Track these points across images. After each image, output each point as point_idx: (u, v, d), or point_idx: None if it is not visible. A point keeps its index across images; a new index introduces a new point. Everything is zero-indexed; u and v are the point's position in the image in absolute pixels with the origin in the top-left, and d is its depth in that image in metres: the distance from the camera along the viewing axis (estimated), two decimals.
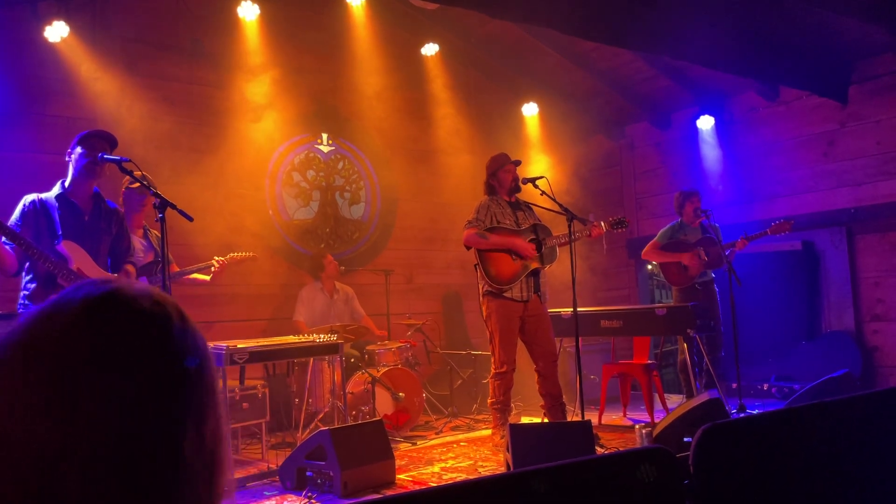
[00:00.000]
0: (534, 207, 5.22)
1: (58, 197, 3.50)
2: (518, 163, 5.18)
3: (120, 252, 3.72)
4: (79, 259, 3.46)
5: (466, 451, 5.04)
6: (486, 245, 4.92)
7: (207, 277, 5.00)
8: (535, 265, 4.97)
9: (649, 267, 8.45)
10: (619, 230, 5.14)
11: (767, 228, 5.76)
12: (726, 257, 5.63)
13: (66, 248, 3.43)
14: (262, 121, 6.64)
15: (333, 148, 7.37)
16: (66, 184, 3.54)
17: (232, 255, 5.18)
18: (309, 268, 6.66)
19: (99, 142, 3.52)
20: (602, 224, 5.02)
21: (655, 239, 6.14)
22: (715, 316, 5.82)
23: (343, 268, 6.82)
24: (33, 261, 3.39)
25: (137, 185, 3.97)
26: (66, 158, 3.56)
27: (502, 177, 5.10)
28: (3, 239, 3.31)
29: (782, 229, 5.72)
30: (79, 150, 3.50)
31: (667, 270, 6.07)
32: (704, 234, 5.93)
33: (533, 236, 5.03)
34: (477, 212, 5.02)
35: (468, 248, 5.02)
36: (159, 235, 3.60)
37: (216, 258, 5.01)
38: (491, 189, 5.17)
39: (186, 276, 4.98)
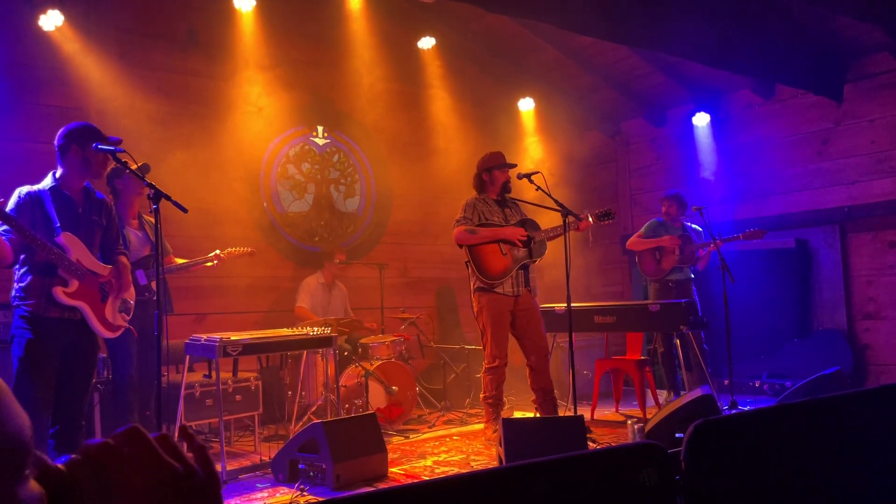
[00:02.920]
0: (528, 204, 5.22)
1: (51, 189, 3.48)
2: (514, 166, 5.17)
3: (109, 243, 3.71)
4: (77, 250, 3.46)
5: (459, 445, 5.06)
6: (476, 240, 4.92)
7: (210, 264, 5.00)
8: (524, 259, 4.98)
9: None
10: (606, 222, 5.15)
11: (741, 233, 5.94)
12: (697, 258, 6.01)
13: (65, 239, 3.42)
14: (257, 112, 6.61)
15: (329, 141, 7.36)
16: (58, 175, 3.52)
17: (230, 250, 5.18)
18: (318, 255, 6.66)
19: (93, 140, 3.51)
20: (589, 216, 5.01)
21: (640, 230, 6.40)
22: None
23: (338, 261, 6.82)
24: (30, 252, 3.38)
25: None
26: (56, 150, 3.52)
27: (497, 175, 5.10)
28: (1, 229, 3.29)
29: (755, 236, 5.94)
30: (79, 148, 3.47)
31: (643, 261, 6.32)
32: (683, 233, 6.19)
33: (523, 229, 5.04)
34: (464, 210, 5.03)
35: (461, 246, 5.03)
36: (153, 222, 3.59)
37: (217, 251, 5.01)
38: (481, 184, 5.16)
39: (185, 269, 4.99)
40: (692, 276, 6.20)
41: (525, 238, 4.97)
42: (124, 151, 3.42)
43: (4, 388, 0.76)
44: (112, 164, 3.79)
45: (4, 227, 3.29)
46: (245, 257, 5.29)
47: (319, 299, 6.36)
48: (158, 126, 5.93)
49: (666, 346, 6.03)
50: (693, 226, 6.25)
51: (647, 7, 5.26)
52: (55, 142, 3.50)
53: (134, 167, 3.55)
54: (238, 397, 5.06)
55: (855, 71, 6.56)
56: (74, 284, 3.43)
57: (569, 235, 4.75)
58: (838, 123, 6.66)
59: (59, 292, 3.37)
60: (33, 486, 0.76)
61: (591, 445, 4.48)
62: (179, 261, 5.03)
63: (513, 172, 5.14)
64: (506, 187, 5.13)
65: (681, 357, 5.74)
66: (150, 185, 3.41)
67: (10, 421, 0.73)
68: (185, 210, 3.46)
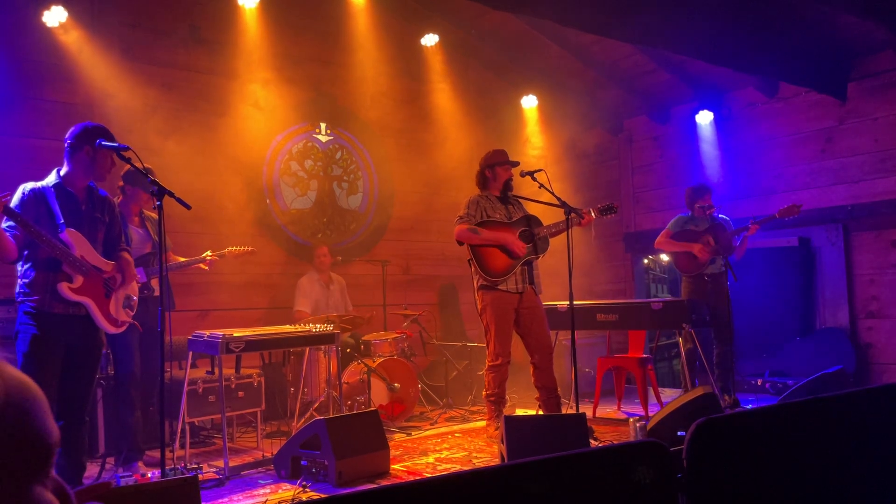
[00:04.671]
0: (530, 201, 5.21)
1: (55, 186, 3.49)
2: (516, 164, 5.15)
3: (112, 239, 3.73)
4: (80, 247, 3.47)
5: (461, 442, 5.06)
6: (477, 241, 4.91)
7: (205, 267, 5.01)
8: (528, 256, 4.97)
9: (645, 261, 8.47)
10: (609, 216, 5.13)
11: (776, 212, 5.74)
12: (734, 246, 5.67)
13: (69, 235, 3.43)
14: (260, 109, 6.62)
15: (332, 137, 7.36)
16: (63, 173, 3.53)
17: (230, 249, 5.18)
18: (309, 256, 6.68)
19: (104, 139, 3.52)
20: (591, 211, 4.99)
21: (667, 228, 6.09)
22: (723, 309, 5.73)
23: (340, 258, 6.82)
24: (34, 248, 3.39)
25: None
26: (66, 147, 3.53)
27: (500, 172, 5.09)
28: (5, 225, 3.30)
29: (791, 213, 5.70)
30: (91, 149, 3.48)
31: (677, 259, 6.02)
32: (713, 223, 5.88)
33: (524, 227, 5.03)
34: (467, 207, 5.01)
35: (460, 243, 5.02)
36: (156, 218, 3.60)
37: (208, 252, 5.01)
38: (484, 181, 5.15)
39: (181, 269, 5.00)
40: (724, 269, 6.01)
41: (525, 253, 4.94)
42: (129, 149, 3.43)
43: (41, 396, 0.80)
44: (126, 168, 3.83)
45: (8, 223, 3.30)
46: (246, 256, 5.31)
47: (318, 297, 6.34)
48: (161, 122, 5.94)
49: (693, 344, 5.69)
50: (721, 216, 5.95)
51: (650, 5, 5.25)
52: (66, 139, 3.51)
53: (140, 167, 3.55)
54: (240, 393, 5.07)
55: (859, 69, 6.54)
56: (79, 280, 3.44)
57: (571, 232, 4.73)
58: (842, 122, 6.64)
59: (64, 288, 3.39)
60: (49, 496, 0.80)
61: (593, 443, 4.49)
62: (180, 259, 5.04)
63: (516, 170, 5.12)
64: (508, 185, 5.12)
65: (701, 357, 5.60)
66: (154, 182, 3.42)
67: (43, 425, 0.80)
68: (188, 207, 3.47)
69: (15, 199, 3.41)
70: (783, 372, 6.75)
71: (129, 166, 3.49)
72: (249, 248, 5.30)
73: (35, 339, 3.34)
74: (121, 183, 4.67)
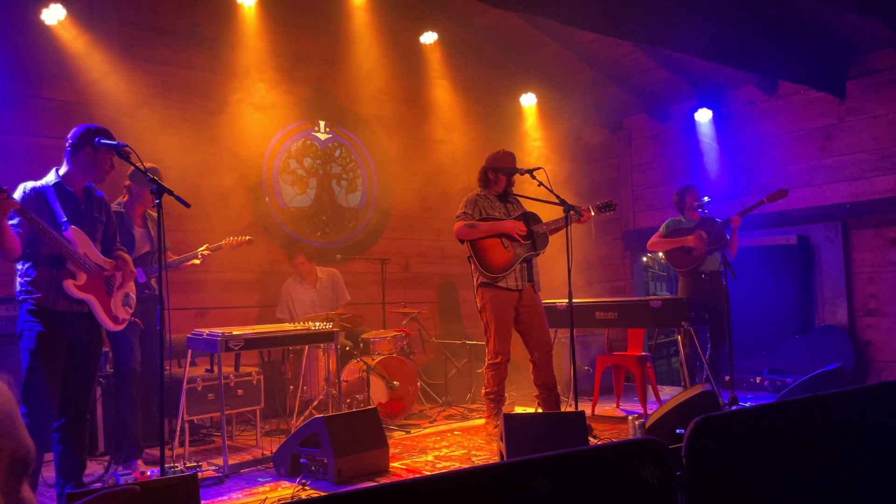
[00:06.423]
0: (530, 199, 5.20)
1: (55, 185, 3.50)
2: (521, 171, 5.13)
3: (109, 238, 3.74)
4: (83, 245, 3.48)
5: (460, 440, 5.07)
6: (476, 234, 4.92)
7: (198, 262, 5.01)
8: (527, 253, 4.98)
9: (644, 259, 8.47)
10: (608, 213, 5.14)
11: (764, 197, 5.75)
12: (727, 239, 5.69)
13: (73, 234, 3.44)
14: (260, 107, 6.61)
15: (331, 135, 7.36)
16: (62, 172, 3.53)
17: (229, 238, 5.18)
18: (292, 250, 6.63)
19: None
20: (590, 208, 5.00)
21: (659, 230, 6.10)
22: (722, 309, 5.67)
23: (339, 256, 6.81)
24: (36, 245, 3.39)
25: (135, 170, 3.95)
26: (67, 147, 3.53)
27: (502, 178, 5.10)
28: (11, 222, 3.29)
29: (779, 197, 5.73)
30: (93, 150, 3.48)
31: (672, 256, 5.99)
32: (702, 219, 5.90)
33: (523, 224, 5.04)
34: (465, 206, 5.03)
35: (461, 241, 5.03)
36: (156, 216, 3.60)
37: (203, 248, 5.00)
38: (486, 181, 5.16)
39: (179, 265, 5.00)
40: (721, 268, 5.97)
41: (525, 232, 4.96)
42: (126, 146, 3.43)
43: (15, 405, 0.92)
44: (129, 169, 3.81)
45: (13, 220, 3.30)
46: (245, 247, 5.31)
47: (309, 301, 6.24)
48: (160, 120, 5.93)
49: (692, 345, 5.69)
50: (710, 216, 5.92)
51: (650, 3, 5.25)
52: (69, 138, 3.51)
53: (140, 166, 3.54)
54: (240, 392, 5.07)
55: (858, 67, 6.54)
56: (83, 277, 3.45)
57: (571, 231, 4.72)
58: (841, 120, 6.64)
59: (69, 285, 3.40)
60: (30, 492, 0.96)
61: (592, 441, 4.49)
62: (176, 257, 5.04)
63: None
64: (508, 191, 5.15)
65: (701, 356, 5.59)
66: (153, 181, 3.41)
67: (26, 434, 0.94)
68: (187, 205, 3.47)
69: (16, 197, 3.41)
70: (782, 370, 6.76)
71: (133, 167, 3.49)
72: (247, 237, 5.29)
73: (41, 335, 3.35)
74: (127, 182, 4.66)
